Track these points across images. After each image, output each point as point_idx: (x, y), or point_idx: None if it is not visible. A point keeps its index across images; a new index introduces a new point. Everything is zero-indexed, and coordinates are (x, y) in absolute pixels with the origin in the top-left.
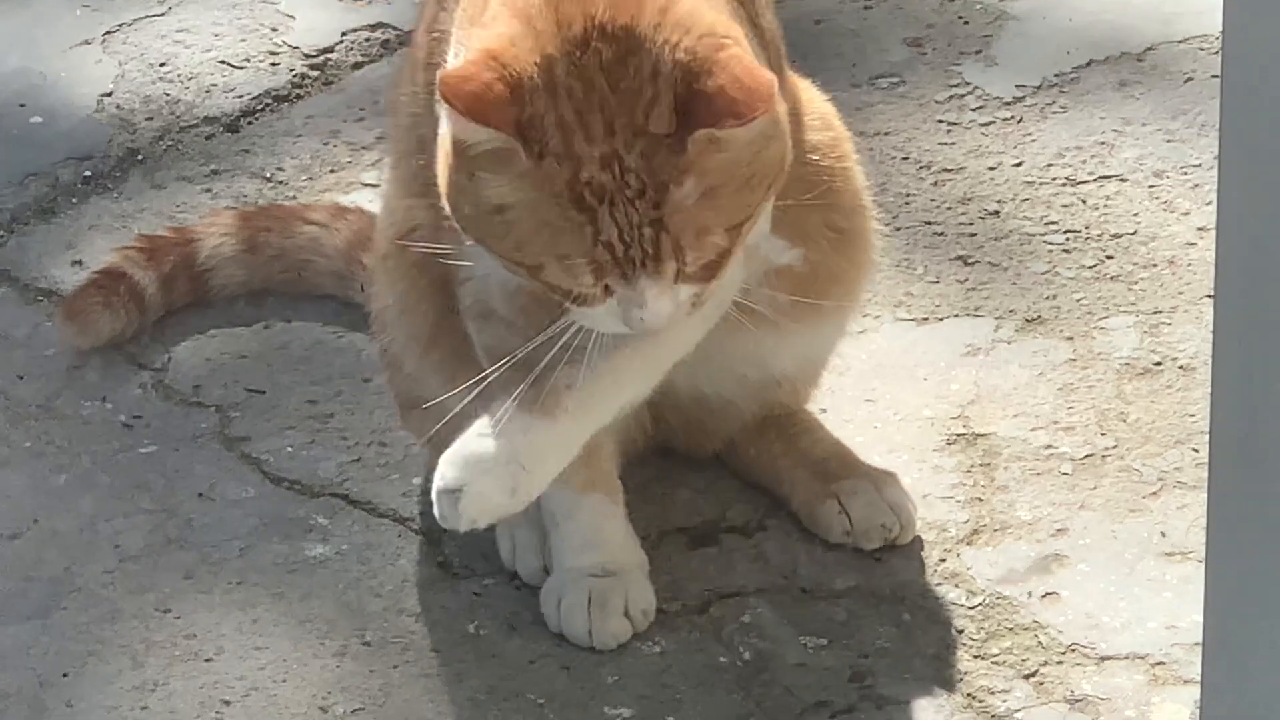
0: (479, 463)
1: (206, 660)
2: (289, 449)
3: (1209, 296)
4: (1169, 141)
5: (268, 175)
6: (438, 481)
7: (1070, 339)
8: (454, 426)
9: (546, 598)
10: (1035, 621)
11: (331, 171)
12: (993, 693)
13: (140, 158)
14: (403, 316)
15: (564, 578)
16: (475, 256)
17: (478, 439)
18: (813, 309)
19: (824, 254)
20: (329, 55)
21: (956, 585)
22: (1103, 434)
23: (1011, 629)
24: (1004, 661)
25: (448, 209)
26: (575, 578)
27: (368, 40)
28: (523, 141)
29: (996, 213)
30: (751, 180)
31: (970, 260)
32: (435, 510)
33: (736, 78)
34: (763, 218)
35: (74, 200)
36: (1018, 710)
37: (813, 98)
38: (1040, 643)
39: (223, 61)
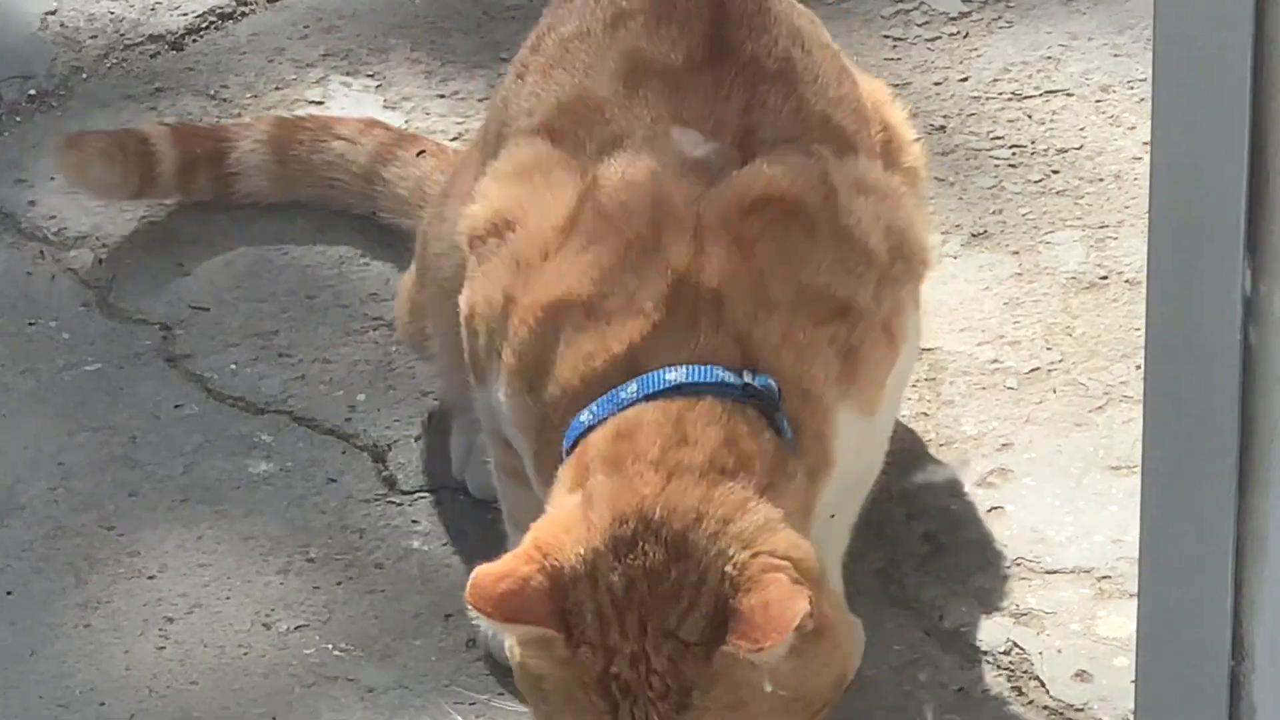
0: None
1: (150, 577)
2: (233, 366)
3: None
4: (1115, 56)
5: (212, 93)
6: None
7: (1016, 253)
8: None
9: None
10: (981, 536)
11: (276, 89)
12: (938, 607)
13: (84, 76)
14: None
15: None
16: None
17: None
18: None
19: None
20: None
21: (902, 500)
22: (1048, 348)
23: (957, 543)
24: (950, 576)
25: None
26: None
27: None
28: (564, 631)
29: (942, 128)
30: (792, 704)
31: None
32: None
33: (766, 603)
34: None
35: (18, 119)
36: (963, 625)
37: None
38: (986, 557)
39: None
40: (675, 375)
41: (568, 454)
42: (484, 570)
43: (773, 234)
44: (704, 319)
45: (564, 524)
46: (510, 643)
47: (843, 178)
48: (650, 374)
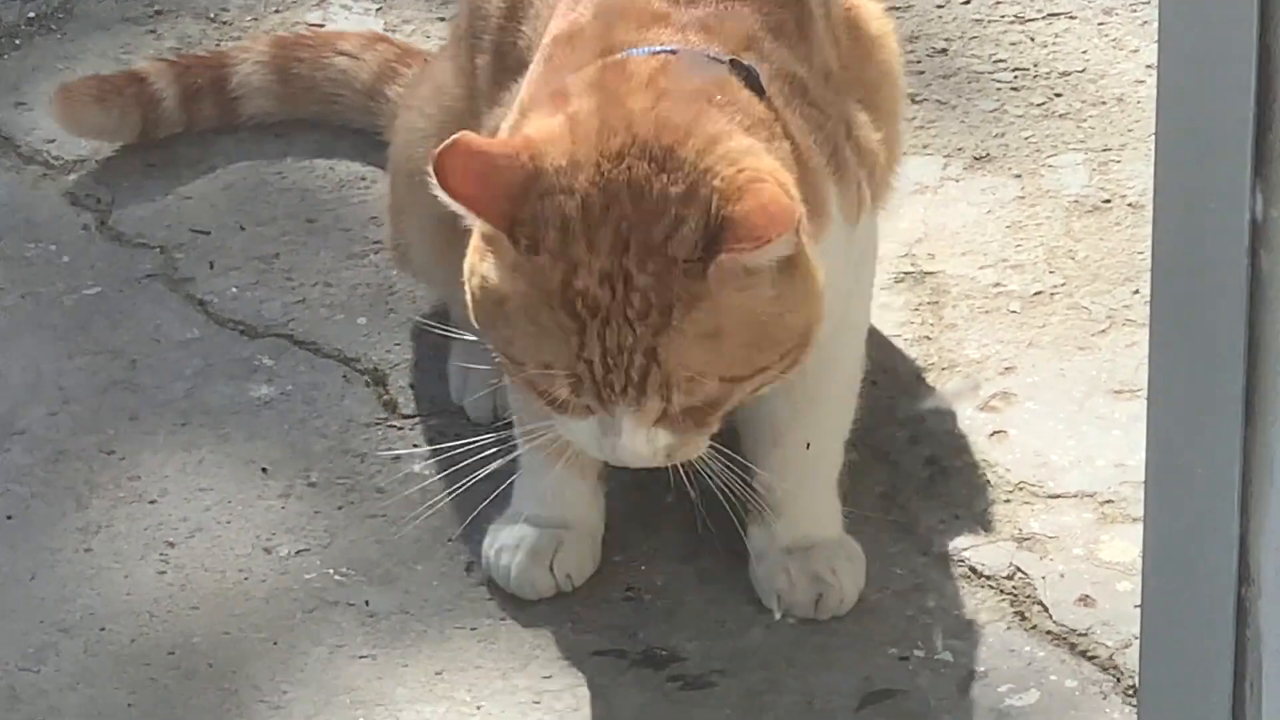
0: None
1: (151, 502)
2: (233, 290)
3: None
4: None
5: (211, 16)
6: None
7: (1019, 176)
8: None
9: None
10: (983, 460)
11: (276, 11)
12: (940, 531)
13: None
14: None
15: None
16: None
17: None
18: None
19: None
20: None
21: (904, 424)
22: (1051, 272)
23: (960, 468)
24: (952, 500)
25: (466, 286)
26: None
27: None
28: (513, 237)
29: (944, 50)
30: (763, 341)
31: (918, 98)
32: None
33: (763, 204)
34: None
35: (18, 43)
36: (965, 549)
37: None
38: (988, 481)
39: None
40: (664, 46)
41: None
42: (464, 137)
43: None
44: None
45: (550, 131)
46: (471, 260)
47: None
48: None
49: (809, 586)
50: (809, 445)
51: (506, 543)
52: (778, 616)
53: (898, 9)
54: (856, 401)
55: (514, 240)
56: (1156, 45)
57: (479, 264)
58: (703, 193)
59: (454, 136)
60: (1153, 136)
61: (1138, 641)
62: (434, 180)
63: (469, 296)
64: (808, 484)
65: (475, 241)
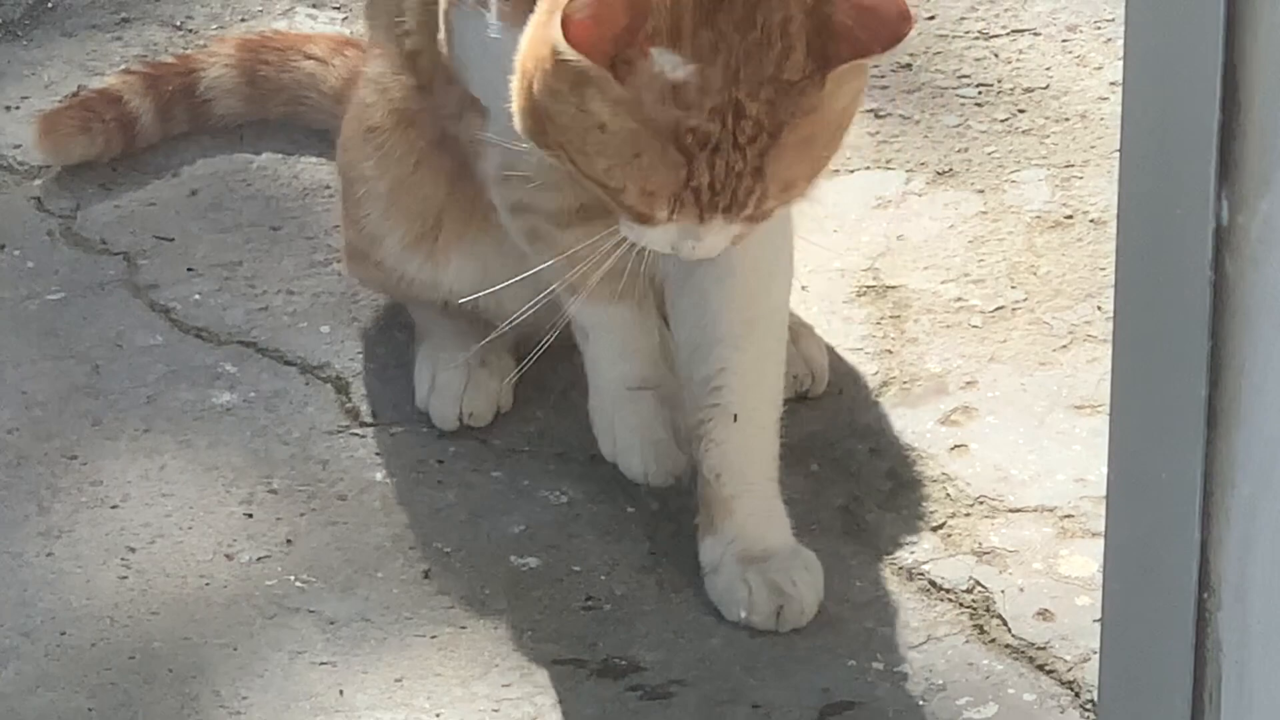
0: (735, 596)
1: (113, 507)
2: (197, 296)
3: (1119, 152)
4: None
5: (178, 24)
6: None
7: (981, 192)
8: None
9: (597, 419)
10: (944, 474)
11: (242, 20)
12: (900, 545)
13: (50, 5)
14: (395, 193)
15: (607, 394)
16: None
17: (717, 587)
18: None
19: None
20: None
21: (865, 437)
22: (1013, 287)
23: (920, 481)
24: (912, 513)
25: (519, 110)
26: (617, 395)
27: None
28: (617, 76)
29: (909, 66)
30: (840, 129)
31: (882, 113)
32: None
33: (865, 6)
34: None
35: None
36: (925, 562)
37: None
38: (949, 495)
39: None
40: None
41: None
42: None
43: None
44: None
45: None
46: (545, 82)
47: None
48: None
49: (769, 598)
50: (736, 418)
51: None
52: (743, 615)
53: None
54: (785, 384)
55: (620, 79)
56: (1122, 56)
57: (566, 95)
58: (797, 15)
59: (564, 9)
60: (1116, 154)
61: (1096, 655)
62: (558, 35)
63: (526, 127)
64: (750, 472)
65: (547, 81)
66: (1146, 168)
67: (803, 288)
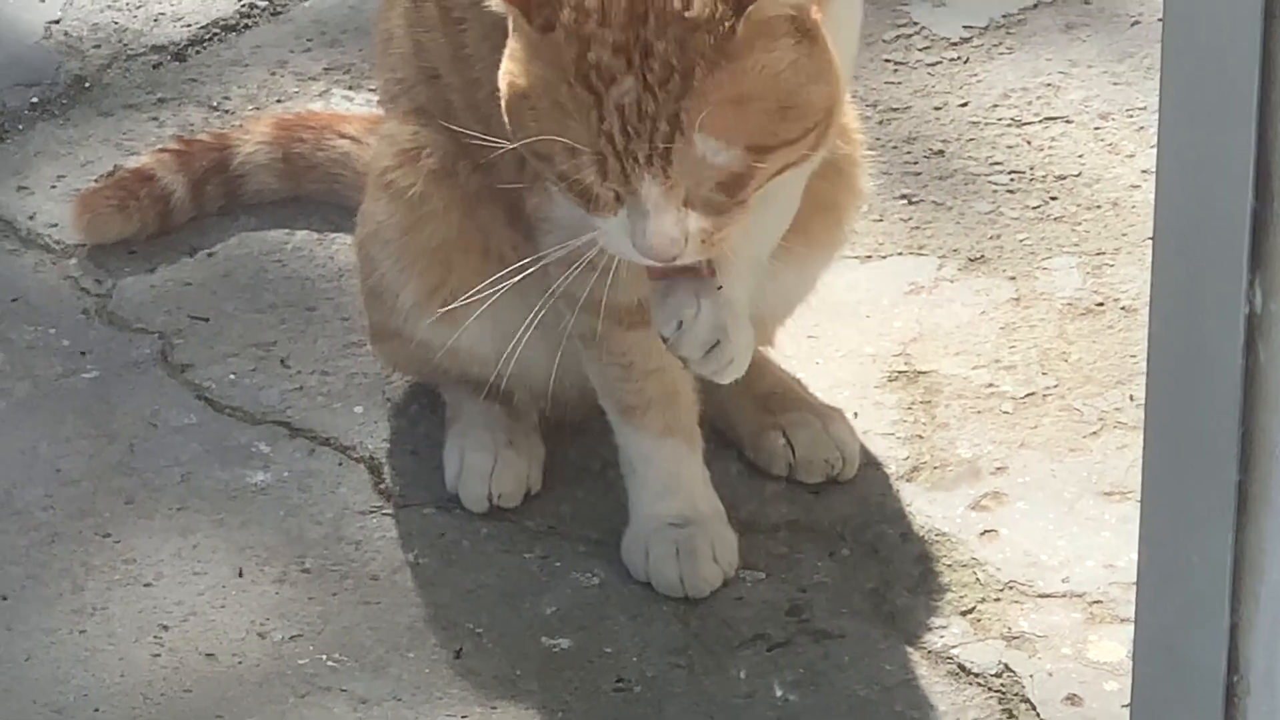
0: (682, 297)
1: (146, 585)
2: (231, 376)
3: (1152, 238)
4: (1115, 84)
5: (214, 104)
6: (673, 330)
7: (1013, 278)
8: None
9: (630, 547)
10: (973, 559)
11: (278, 101)
12: (930, 629)
13: (87, 85)
14: (408, 233)
15: (645, 526)
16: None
17: (661, 297)
18: (803, 245)
19: (815, 182)
20: None
21: (895, 522)
22: (1044, 373)
23: (950, 566)
24: (942, 598)
25: (504, 103)
26: (657, 527)
27: None
28: (527, 17)
29: (941, 152)
30: (789, 111)
31: (915, 199)
32: (694, 357)
33: None
34: (794, 183)
35: (20, 127)
36: (954, 646)
37: None
38: (978, 579)
39: None
40: None
41: None
42: None
43: None
44: None
45: None
46: (504, 65)
47: None
48: None
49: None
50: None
51: (662, 552)
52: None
53: (895, 110)
54: (817, 468)
55: (530, 19)
56: (1154, 144)
57: (509, 65)
58: None
59: None
60: (1147, 241)
61: None
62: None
63: (504, 105)
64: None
65: (508, 45)
66: (1179, 255)
67: (833, 372)
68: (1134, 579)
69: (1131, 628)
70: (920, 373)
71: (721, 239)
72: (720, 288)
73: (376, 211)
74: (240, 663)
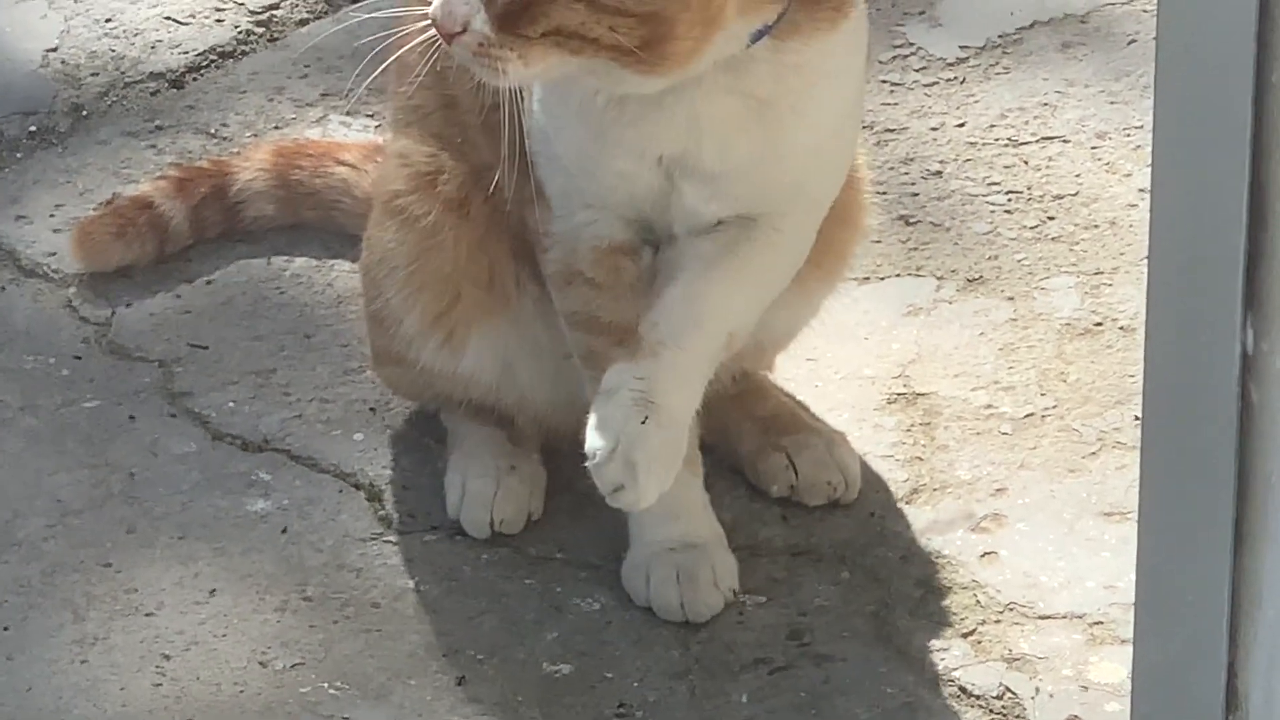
0: (611, 422)
1: (147, 614)
2: (231, 404)
3: (1148, 273)
4: (1111, 103)
5: (212, 131)
6: (592, 461)
7: (1011, 299)
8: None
9: (630, 573)
10: (974, 580)
11: (276, 128)
12: (931, 651)
13: (85, 113)
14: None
15: (645, 551)
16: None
17: (600, 407)
18: (805, 277)
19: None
20: (274, 12)
21: (895, 544)
22: (1043, 394)
23: (950, 588)
24: (942, 620)
25: None
26: (658, 552)
27: None
28: None
29: (939, 173)
30: None
31: (912, 220)
32: (604, 490)
33: None
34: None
35: (18, 155)
36: (955, 668)
37: None
38: (979, 601)
39: (168, 18)
40: None
41: None
42: None
43: None
44: None
45: None
46: None
47: None
48: None
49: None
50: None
51: (663, 576)
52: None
53: (892, 131)
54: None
55: None
56: (1150, 171)
57: None
58: None
59: None
60: (1144, 260)
61: None
62: None
63: None
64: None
65: None
66: (1173, 292)
67: (832, 394)
68: (1134, 600)
69: (1132, 648)
70: (919, 394)
71: (493, 61)
72: (646, 420)
73: (385, 238)
74: (242, 692)
